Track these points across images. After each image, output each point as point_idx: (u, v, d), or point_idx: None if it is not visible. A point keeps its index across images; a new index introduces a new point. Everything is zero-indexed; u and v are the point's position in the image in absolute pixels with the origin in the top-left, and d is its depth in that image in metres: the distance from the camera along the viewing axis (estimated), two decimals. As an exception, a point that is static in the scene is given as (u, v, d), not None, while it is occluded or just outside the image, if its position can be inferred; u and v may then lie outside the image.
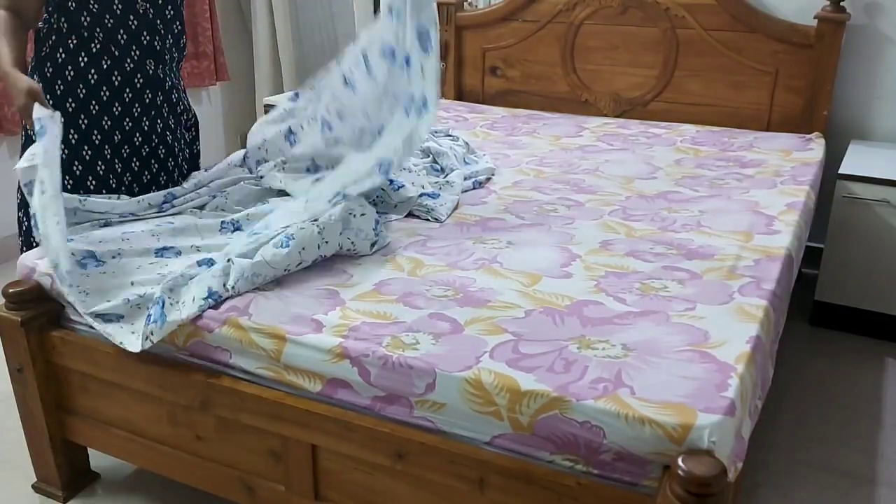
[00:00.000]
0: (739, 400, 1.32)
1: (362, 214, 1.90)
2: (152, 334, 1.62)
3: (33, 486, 2.02)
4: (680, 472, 1.19)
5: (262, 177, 2.27)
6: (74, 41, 2.04)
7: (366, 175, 1.95)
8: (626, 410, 1.28)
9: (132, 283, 1.75)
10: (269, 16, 4.31)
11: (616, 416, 1.28)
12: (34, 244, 2.10)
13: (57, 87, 2.06)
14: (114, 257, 1.82)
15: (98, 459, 2.04)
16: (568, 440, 1.32)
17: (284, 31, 4.28)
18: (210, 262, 1.76)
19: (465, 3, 3.58)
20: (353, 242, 1.86)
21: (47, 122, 1.76)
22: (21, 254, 2.12)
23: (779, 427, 2.29)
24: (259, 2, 4.28)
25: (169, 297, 1.66)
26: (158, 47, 2.16)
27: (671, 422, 1.25)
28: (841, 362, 2.64)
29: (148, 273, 1.79)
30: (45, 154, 1.73)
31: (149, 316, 1.64)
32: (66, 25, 2.02)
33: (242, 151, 2.42)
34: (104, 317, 1.71)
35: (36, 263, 1.84)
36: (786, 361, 2.55)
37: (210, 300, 1.64)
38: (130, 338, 1.67)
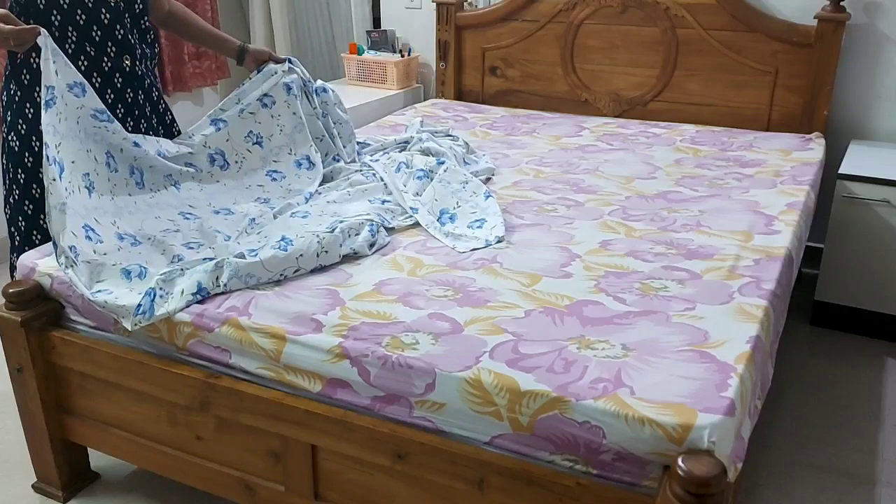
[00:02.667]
0: (739, 400, 1.32)
1: (357, 234, 1.90)
2: (139, 323, 1.64)
3: (33, 486, 2.02)
4: (680, 472, 1.19)
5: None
6: None
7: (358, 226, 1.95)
8: (626, 410, 1.28)
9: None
10: (267, 16, 4.31)
11: (616, 416, 1.28)
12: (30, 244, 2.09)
13: (36, 94, 1.98)
14: (149, 239, 1.86)
15: (98, 459, 2.04)
16: (568, 440, 1.32)
17: (283, 31, 4.28)
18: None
19: (465, 3, 3.57)
20: (354, 250, 1.87)
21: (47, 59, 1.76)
22: (10, 252, 2.11)
23: (779, 427, 2.29)
24: (257, 2, 4.28)
25: (161, 290, 1.66)
26: (132, 41, 2.11)
27: (671, 422, 1.25)
28: (841, 362, 2.64)
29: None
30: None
31: (139, 305, 1.63)
32: None
33: None
34: (128, 272, 1.73)
35: (36, 263, 1.84)
36: (786, 361, 2.55)
37: (198, 295, 1.65)
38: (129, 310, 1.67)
